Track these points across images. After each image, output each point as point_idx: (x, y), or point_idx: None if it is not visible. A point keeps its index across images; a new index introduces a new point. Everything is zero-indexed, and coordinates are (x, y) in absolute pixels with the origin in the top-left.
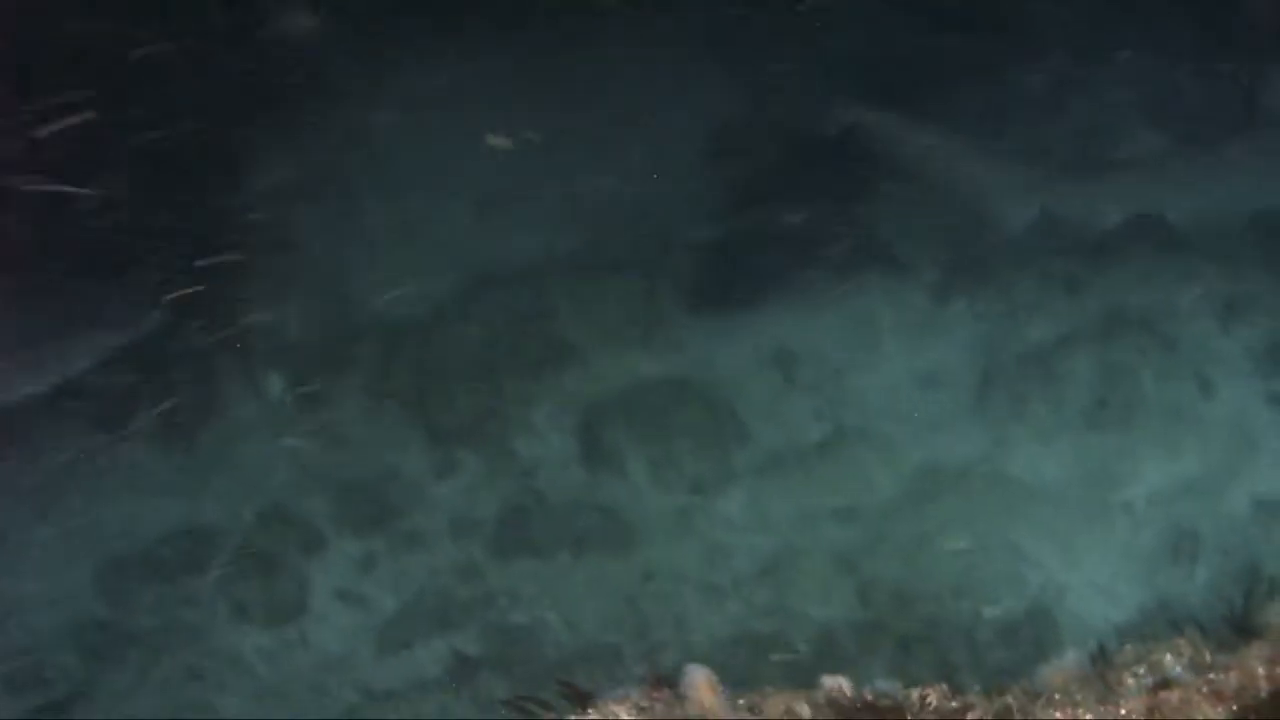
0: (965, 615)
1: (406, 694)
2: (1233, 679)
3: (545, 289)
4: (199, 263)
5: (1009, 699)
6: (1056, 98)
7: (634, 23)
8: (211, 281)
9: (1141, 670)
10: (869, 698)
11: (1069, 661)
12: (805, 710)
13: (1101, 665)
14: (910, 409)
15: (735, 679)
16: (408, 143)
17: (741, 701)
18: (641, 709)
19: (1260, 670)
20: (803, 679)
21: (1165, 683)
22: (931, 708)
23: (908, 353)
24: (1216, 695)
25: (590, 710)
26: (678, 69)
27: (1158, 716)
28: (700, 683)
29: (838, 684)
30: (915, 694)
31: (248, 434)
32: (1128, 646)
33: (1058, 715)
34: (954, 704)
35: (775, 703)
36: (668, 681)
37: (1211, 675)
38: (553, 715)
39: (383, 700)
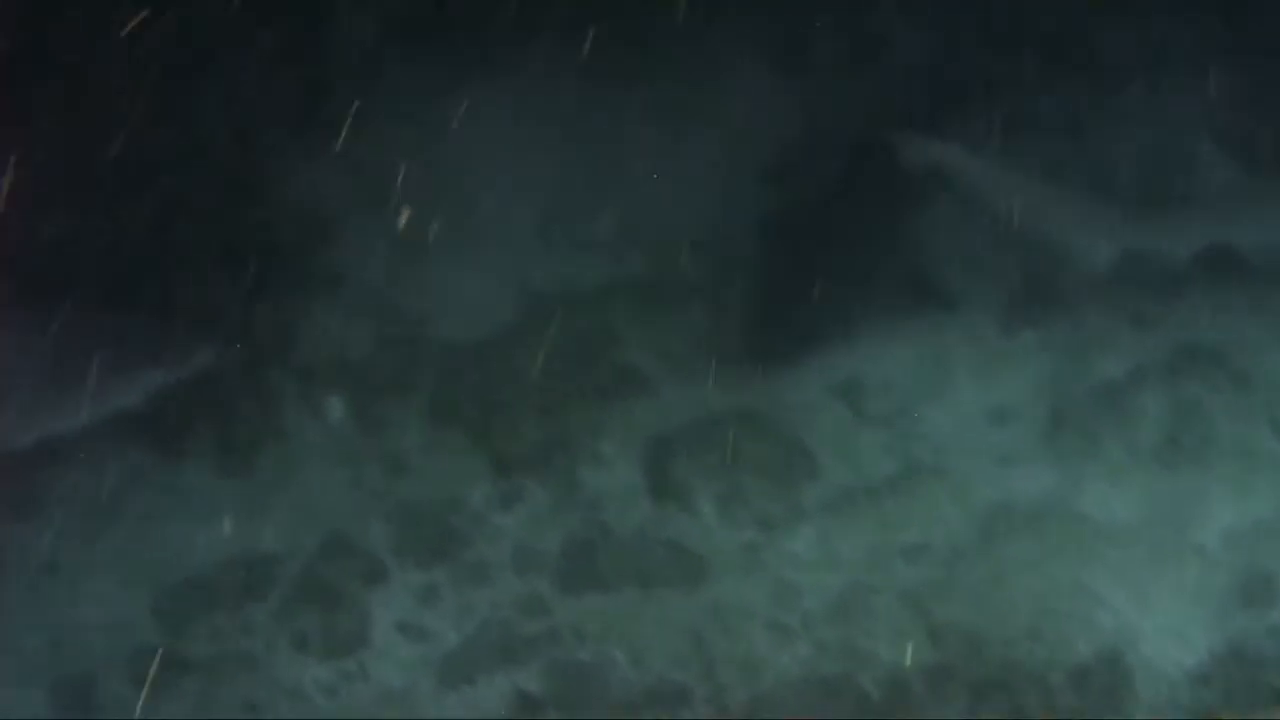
0: (1039, 660)
1: None
2: None
3: (610, 315)
4: (250, 287)
5: None
6: (1123, 126)
7: (697, 38)
8: (265, 305)
9: None
10: None
11: None
12: None
13: None
14: (981, 445)
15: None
16: (468, 158)
17: None
18: None
19: None
20: None
21: None
22: None
23: (977, 387)
24: None
25: None
26: (740, 87)
27: None
28: None
29: None
30: None
31: (307, 459)
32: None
33: None
34: None
35: None
36: None
37: None
38: None
39: None
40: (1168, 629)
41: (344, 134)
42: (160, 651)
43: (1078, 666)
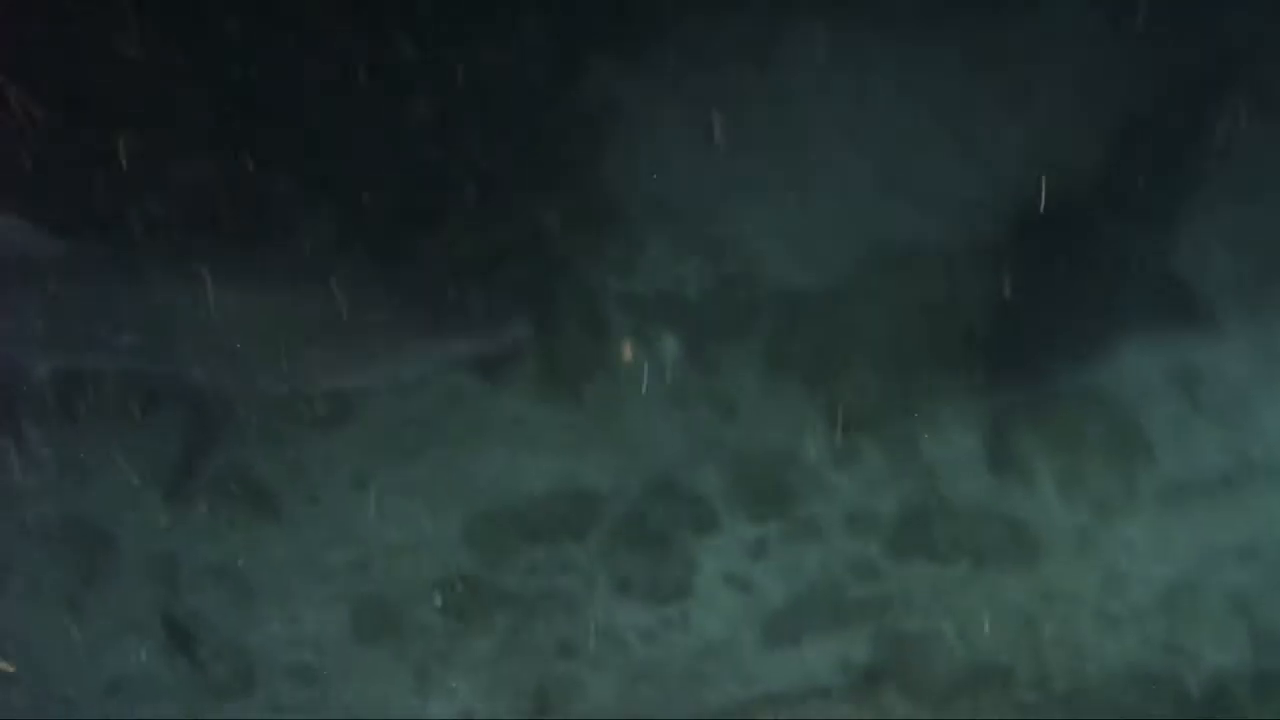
0: None
1: (791, 695)
2: None
3: (950, 276)
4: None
5: None
6: None
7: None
8: (594, 235)
9: None
10: None
11: None
12: None
13: None
14: None
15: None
16: (811, 104)
17: None
18: None
19: None
20: None
21: None
22: None
23: None
24: None
25: None
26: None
27: None
28: None
29: None
30: None
31: (637, 395)
32: None
33: None
34: None
35: None
36: None
37: None
38: None
39: (767, 700)
40: None
41: (674, 68)
42: (472, 581)
43: None
